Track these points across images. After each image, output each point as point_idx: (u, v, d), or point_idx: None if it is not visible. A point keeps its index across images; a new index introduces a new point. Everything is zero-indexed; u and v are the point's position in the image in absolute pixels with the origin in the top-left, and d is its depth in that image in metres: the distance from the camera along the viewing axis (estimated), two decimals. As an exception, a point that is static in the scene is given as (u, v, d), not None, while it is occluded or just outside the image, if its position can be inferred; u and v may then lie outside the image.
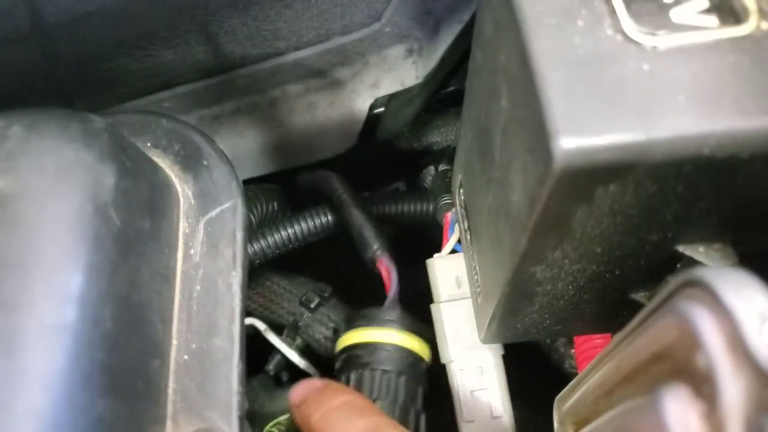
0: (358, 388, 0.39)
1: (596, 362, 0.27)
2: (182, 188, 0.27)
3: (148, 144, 0.29)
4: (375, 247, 0.45)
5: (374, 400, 0.38)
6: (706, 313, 0.17)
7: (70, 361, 0.20)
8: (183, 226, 0.27)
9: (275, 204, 0.55)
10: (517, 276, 0.28)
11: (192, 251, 0.26)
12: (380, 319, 0.41)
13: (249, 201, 0.49)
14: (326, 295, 0.52)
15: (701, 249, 0.26)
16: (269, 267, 0.53)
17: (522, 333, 0.35)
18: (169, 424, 0.23)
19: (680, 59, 0.22)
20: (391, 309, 0.41)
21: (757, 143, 0.20)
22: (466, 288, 0.41)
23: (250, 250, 0.46)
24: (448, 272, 0.42)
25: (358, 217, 0.48)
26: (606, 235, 0.25)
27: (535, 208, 0.23)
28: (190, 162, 0.28)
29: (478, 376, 0.39)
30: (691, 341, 0.18)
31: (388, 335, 0.40)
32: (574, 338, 0.43)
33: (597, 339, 0.42)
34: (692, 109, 0.21)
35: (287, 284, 0.52)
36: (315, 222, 0.48)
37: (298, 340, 0.51)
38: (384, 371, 0.39)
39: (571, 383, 0.31)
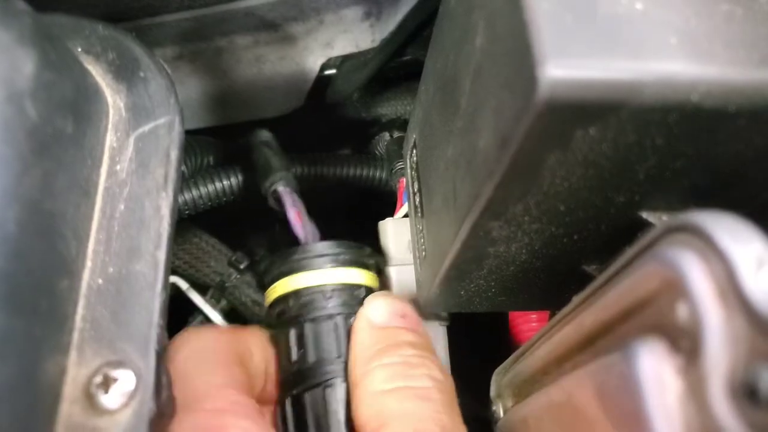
0: (301, 344, 0.34)
1: (548, 329, 0.26)
2: (113, 99, 0.24)
3: (79, 49, 0.26)
4: (278, 175, 0.41)
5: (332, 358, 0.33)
6: (694, 258, 0.16)
7: (-41, 263, 0.17)
8: (110, 140, 0.23)
9: (211, 158, 0.51)
10: (472, 232, 0.26)
11: (118, 167, 0.23)
12: (301, 261, 0.35)
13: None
14: (257, 257, 0.49)
15: (664, 217, 0.25)
16: (198, 223, 0.50)
17: (465, 301, 0.33)
18: (73, 354, 0.20)
19: (673, 2, 0.21)
20: (310, 247, 0.36)
21: (745, 96, 0.20)
22: (417, 253, 0.39)
23: (180, 199, 0.43)
24: (400, 235, 0.40)
25: (265, 149, 0.44)
26: (573, 190, 0.23)
27: (507, 151, 0.21)
28: (124, 72, 0.25)
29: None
30: (674, 290, 0.16)
31: (316, 277, 0.35)
32: (510, 317, 0.42)
33: (533, 322, 0.41)
34: (684, 53, 0.20)
35: (216, 242, 0.49)
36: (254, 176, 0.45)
37: (223, 302, 0.48)
38: (327, 317, 0.34)
39: (515, 354, 0.30)
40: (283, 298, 0.35)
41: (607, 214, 0.25)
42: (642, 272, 0.18)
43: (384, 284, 0.39)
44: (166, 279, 0.22)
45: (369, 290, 0.36)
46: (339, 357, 0.33)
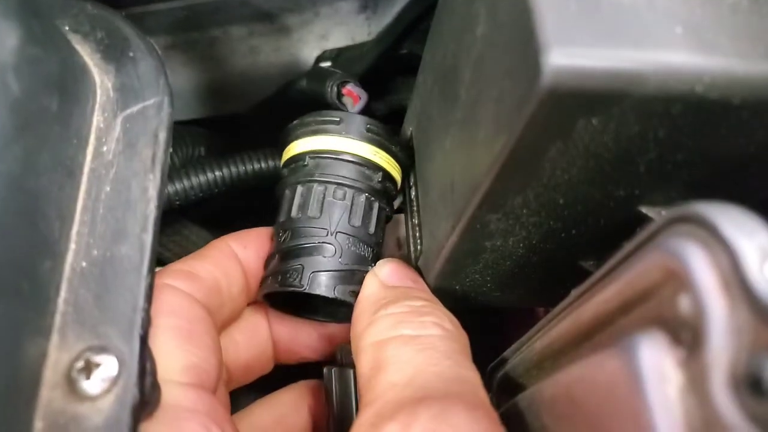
0: (305, 202, 0.34)
1: (545, 323, 0.25)
2: (101, 79, 0.24)
3: (67, 27, 0.25)
4: (336, 75, 0.42)
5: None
6: (698, 249, 0.15)
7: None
8: (97, 120, 0.23)
9: (202, 149, 0.51)
10: (469, 225, 0.26)
11: (105, 148, 0.22)
12: (341, 127, 0.35)
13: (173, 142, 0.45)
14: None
15: (664, 212, 0.25)
16: (187, 214, 0.49)
17: (460, 297, 0.33)
18: (55, 337, 0.19)
19: (679, -8, 0.20)
20: (354, 116, 0.36)
21: (750, 88, 0.19)
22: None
23: (170, 189, 0.42)
24: (389, 233, 0.39)
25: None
26: (573, 182, 0.23)
27: (508, 141, 0.21)
28: (113, 52, 0.24)
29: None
30: (677, 281, 0.16)
31: (344, 143, 0.35)
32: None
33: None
34: (689, 44, 0.19)
35: (206, 234, 0.48)
36: (247, 167, 0.44)
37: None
38: (339, 185, 0.34)
39: (509, 350, 0.29)
40: (302, 156, 0.36)
41: (607, 208, 0.25)
42: (644, 263, 0.17)
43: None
44: (152, 262, 0.21)
45: (386, 175, 0.36)
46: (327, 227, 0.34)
